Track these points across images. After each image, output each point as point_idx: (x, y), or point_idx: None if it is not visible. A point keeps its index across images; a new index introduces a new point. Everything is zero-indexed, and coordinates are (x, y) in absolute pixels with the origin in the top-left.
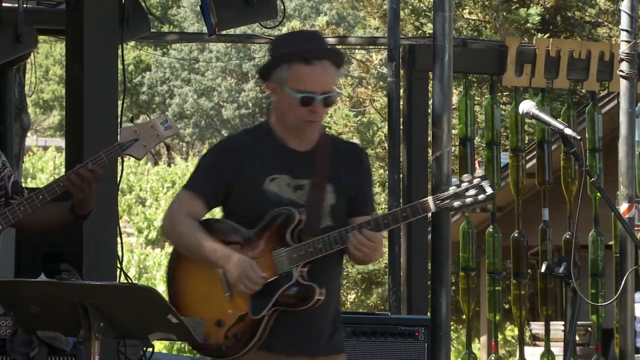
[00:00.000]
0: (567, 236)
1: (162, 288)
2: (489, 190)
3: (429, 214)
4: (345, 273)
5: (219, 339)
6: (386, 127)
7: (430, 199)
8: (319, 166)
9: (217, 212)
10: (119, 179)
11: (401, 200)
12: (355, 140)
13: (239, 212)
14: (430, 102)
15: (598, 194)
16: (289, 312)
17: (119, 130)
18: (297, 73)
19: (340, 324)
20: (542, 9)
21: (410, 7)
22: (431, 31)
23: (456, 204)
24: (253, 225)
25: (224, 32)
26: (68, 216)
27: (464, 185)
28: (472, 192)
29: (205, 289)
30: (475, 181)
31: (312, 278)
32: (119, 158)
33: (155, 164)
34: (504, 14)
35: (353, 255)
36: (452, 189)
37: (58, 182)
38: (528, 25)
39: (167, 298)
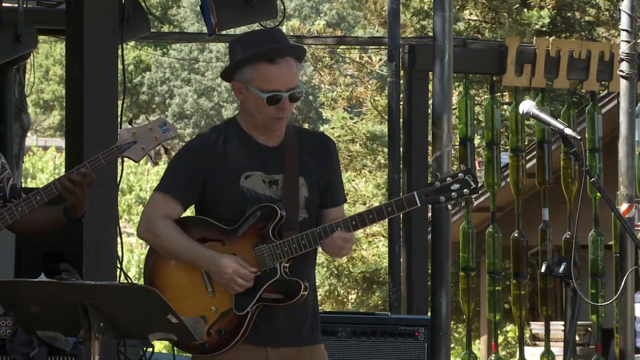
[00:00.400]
0: (567, 236)
1: None
2: (473, 184)
3: (429, 214)
4: (346, 272)
5: None
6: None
7: (415, 193)
8: (288, 160)
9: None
10: (119, 179)
11: None
12: (358, 146)
13: (216, 210)
14: (430, 102)
15: (598, 194)
16: (271, 306)
17: (119, 130)
18: (262, 73)
19: (317, 315)
20: (554, 11)
21: (412, 9)
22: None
23: (441, 198)
24: (231, 222)
25: (224, 32)
26: (62, 219)
27: (448, 179)
28: (456, 186)
29: (185, 286)
30: (460, 175)
31: (292, 273)
32: (118, 159)
33: (155, 164)
34: (509, 14)
35: (330, 253)
36: (437, 184)
37: (55, 184)
38: (536, 27)
39: None
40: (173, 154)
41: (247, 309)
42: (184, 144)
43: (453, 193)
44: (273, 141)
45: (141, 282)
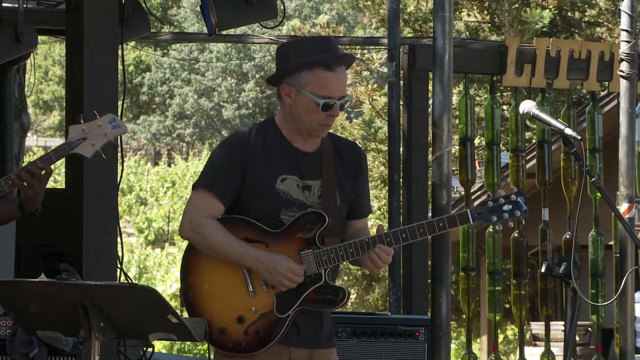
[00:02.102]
0: (567, 236)
1: (161, 288)
2: (524, 207)
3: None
4: (346, 270)
5: (238, 336)
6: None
7: (468, 211)
8: (325, 168)
9: None
10: (119, 179)
11: (401, 200)
12: (358, 139)
13: (247, 210)
14: (430, 102)
15: (598, 193)
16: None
17: (69, 127)
18: (319, 79)
19: (332, 319)
20: (556, 11)
21: (407, 14)
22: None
23: (493, 217)
24: (264, 222)
25: (224, 32)
26: (16, 213)
27: (501, 200)
28: (508, 207)
29: (224, 285)
30: (512, 197)
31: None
32: (118, 158)
33: (155, 164)
34: (509, 13)
35: (368, 264)
36: (490, 203)
37: (12, 177)
38: (537, 26)
39: (181, 293)
40: (173, 153)
41: (289, 312)
42: (184, 144)
43: (505, 214)
44: (309, 147)
45: (141, 282)
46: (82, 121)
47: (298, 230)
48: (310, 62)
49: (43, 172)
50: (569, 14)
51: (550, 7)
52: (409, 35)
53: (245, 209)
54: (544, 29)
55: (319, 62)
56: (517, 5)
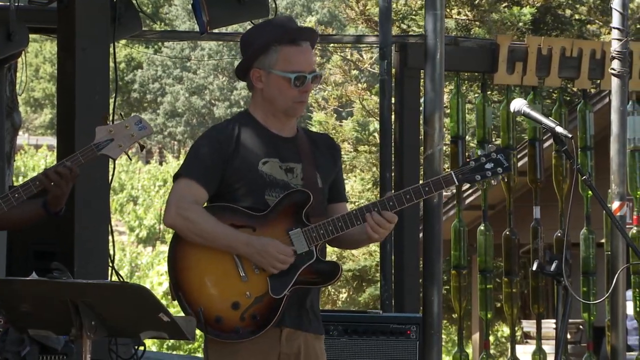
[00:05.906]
0: (559, 234)
1: (153, 286)
2: (506, 163)
3: (419, 208)
4: None
5: (234, 322)
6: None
7: (452, 172)
8: (303, 152)
9: None
10: (110, 177)
11: None
12: (351, 140)
13: (233, 196)
14: (422, 100)
15: (589, 192)
16: (303, 289)
17: (96, 128)
18: (286, 55)
19: (318, 304)
20: (535, 9)
21: (394, 12)
22: (416, 32)
23: (477, 177)
24: (252, 207)
25: (215, 31)
26: (41, 213)
27: (482, 159)
28: (490, 165)
29: (216, 273)
30: (493, 155)
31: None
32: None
33: (147, 162)
34: (493, 13)
35: (370, 234)
36: (472, 163)
37: (34, 181)
38: (519, 24)
39: (171, 287)
40: (165, 151)
41: (284, 292)
42: (175, 142)
43: (487, 172)
44: (286, 132)
45: (133, 280)
46: (108, 122)
47: (283, 210)
48: (274, 40)
49: (71, 173)
50: (559, 11)
51: (537, 4)
52: (398, 33)
53: (229, 196)
54: (526, 27)
55: (283, 38)
56: (503, 4)
